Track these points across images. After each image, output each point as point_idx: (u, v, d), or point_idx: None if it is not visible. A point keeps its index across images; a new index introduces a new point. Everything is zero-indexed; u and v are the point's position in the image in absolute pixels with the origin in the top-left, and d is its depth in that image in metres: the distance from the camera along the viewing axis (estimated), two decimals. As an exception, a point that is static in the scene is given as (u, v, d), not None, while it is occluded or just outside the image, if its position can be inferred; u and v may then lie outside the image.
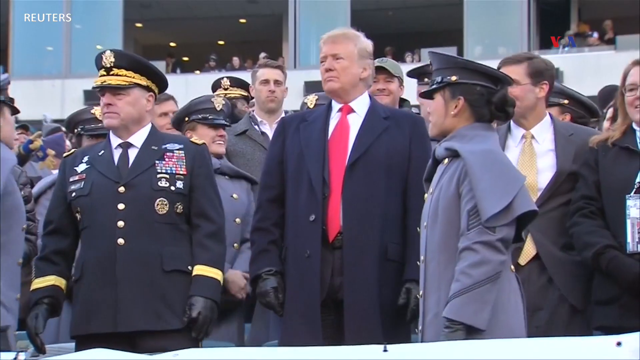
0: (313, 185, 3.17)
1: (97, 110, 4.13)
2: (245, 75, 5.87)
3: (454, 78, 2.92)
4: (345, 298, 3.13)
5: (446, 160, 2.91)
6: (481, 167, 2.78)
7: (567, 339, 2.48)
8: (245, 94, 5.38)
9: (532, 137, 3.45)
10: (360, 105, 3.35)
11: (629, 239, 3.15)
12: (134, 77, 3.28)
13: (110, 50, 3.33)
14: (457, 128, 2.91)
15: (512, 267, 2.85)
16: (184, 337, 3.11)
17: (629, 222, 3.15)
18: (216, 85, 5.50)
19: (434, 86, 2.97)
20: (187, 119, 4.03)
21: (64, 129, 6.23)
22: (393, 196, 3.22)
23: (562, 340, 2.39)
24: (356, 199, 3.16)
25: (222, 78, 5.53)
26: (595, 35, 18.63)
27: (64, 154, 3.58)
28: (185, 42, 21.96)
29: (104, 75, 3.30)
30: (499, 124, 3.31)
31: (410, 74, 4.50)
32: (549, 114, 3.56)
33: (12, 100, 3.26)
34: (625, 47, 14.85)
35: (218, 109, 4.02)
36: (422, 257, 2.91)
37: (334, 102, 3.36)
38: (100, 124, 4.07)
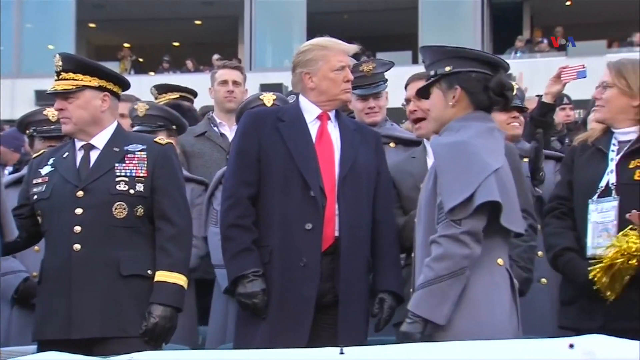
0: (313, 194, 3.12)
1: (49, 112, 4.07)
2: (200, 77, 5.85)
3: (447, 68, 2.89)
4: (341, 304, 3.15)
5: None
6: (448, 159, 2.76)
7: (521, 340, 2.50)
8: (177, 95, 5.34)
9: None
10: (331, 113, 3.34)
11: (589, 243, 3.15)
12: (82, 80, 3.24)
13: (59, 55, 3.29)
14: (455, 118, 2.88)
15: (501, 260, 2.81)
16: (141, 343, 3.07)
17: (590, 226, 3.15)
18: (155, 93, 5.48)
19: (429, 81, 2.94)
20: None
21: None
22: (370, 208, 3.27)
23: (516, 341, 2.41)
24: (349, 210, 3.17)
25: (151, 88, 5.50)
26: (545, 41, 18.97)
27: (34, 155, 3.52)
28: (139, 43, 21.73)
29: (55, 80, 3.28)
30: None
31: None
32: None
33: None
34: (576, 54, 15.12)
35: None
36: (412, 254, 2.92)
37: (312, 107, 3.28)
38: (52, 126, 4.03)
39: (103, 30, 21.61)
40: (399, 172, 3.49)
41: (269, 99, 4.00)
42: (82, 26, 20.24)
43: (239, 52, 20.31)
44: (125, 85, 3.40)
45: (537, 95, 4.55)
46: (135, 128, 4.09)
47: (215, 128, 4.65)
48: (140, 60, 21.25)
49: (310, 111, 3.27)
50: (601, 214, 3.13)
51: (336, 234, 3.16)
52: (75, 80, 3.24)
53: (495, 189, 2.74)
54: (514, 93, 4.19)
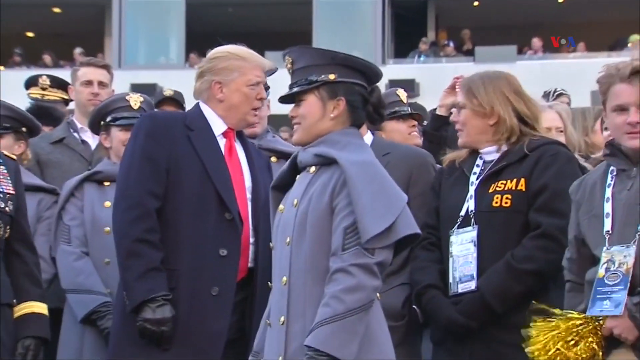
0: (230, 217, 3.16)
1: None
2: (59, 74, 5.68)
3: (332, 76, 2.87)
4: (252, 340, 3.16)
5: (313, 169, 2.86)
6: (362, 180, 2.73)
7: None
8: (66, 96, 5.20)
9: None
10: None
11: (451, 279, 3.16)
12: None
13: None
14: (335, 132, 2.87)
15: (378, 294, 2.84)
16: None
17: (451, 260, 3.16)
18: (31, 83, 5.37)
19: (307, 86, 2.88)
20: None
21: None
22: None
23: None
24: (265, 240, 3.14)
25: (41, 76, 5.42)
26: (452, 44, 19.47)
27: None
28: (-15, 33, 21.08)
29: None
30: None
31: None
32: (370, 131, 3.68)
33: None
34: (484, 59, 15.55)
35: None
36: (284, 278, 2.83)
37: (217, 120, 3.28)
38: None
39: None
40: None
41: (135, 100, 3.94)
42: None
43: (106, 46, 20.02)
44: None
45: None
46: None
47: (75, 134, 4.51)
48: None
49: (216, 124, 3.29)
50: (461, 245, 3.14)
51: (250, 264, 3.20)
52: None
53: (413, 220, 2.77)
54: (405, 101, 4.31)
